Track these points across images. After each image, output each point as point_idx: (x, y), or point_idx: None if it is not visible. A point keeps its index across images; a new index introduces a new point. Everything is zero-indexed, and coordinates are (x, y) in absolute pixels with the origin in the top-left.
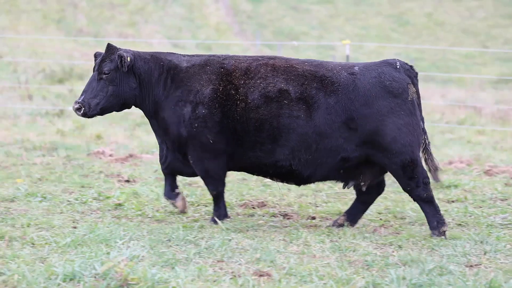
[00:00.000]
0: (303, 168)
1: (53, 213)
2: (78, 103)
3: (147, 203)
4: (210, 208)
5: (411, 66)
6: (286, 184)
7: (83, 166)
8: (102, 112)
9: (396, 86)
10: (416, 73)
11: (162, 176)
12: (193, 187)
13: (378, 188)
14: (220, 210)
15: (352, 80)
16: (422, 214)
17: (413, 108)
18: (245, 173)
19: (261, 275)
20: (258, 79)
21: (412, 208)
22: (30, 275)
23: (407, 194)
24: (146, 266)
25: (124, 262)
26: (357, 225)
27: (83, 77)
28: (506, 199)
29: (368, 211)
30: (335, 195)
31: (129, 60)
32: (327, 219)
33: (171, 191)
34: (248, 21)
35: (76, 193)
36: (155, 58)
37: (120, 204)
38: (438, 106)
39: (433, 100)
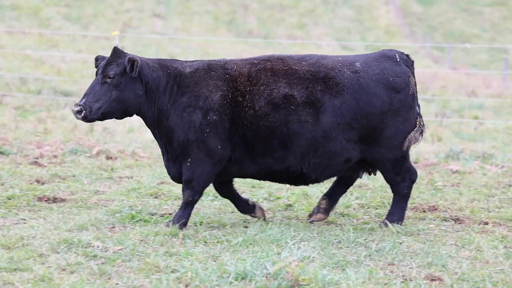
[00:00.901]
0: (312, 171)
1: (225, 212)
2: (79, 105)
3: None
4: (380, 210)
5: (407, 55)
6: (293, 186)
7: None
8: (104, 117)
9: (399, 82)
10: (413, 62)
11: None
12: (363, 189)
13: (410, 176)
14: (183, 216)
15: (356, 79)
16: None
17: (412, 102)
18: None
19: (432, 280)
20: (261, 86)
21: None
22: (203, 272)
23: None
24: (317, 267)
25: (295, 262)
26: None
27: None
28: None
29: None
30: (509, 201)
31: (138, 65)
32: (500, 224)
33: (246, 205)
34: (418, 24)
35: (247, 193)
36: (163, 66)
37: (290, 205)
38: None
39: None
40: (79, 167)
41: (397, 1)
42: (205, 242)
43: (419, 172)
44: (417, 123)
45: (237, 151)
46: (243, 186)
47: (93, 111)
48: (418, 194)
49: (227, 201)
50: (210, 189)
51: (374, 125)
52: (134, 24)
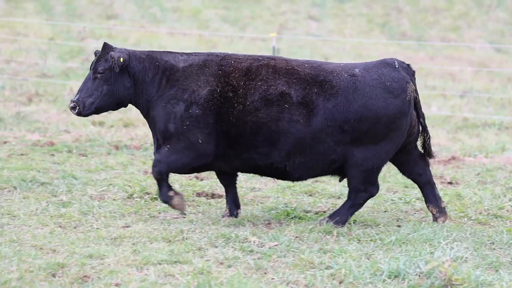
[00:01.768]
0: (295, 170)
1: (378, 211)
2: (73, 102)
3: (469, 205)
4: None
5: (408, 65)
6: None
7: None
8: (98, 111)
9: (396, 86)
10: (414, 72)
11: (484, 179)
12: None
13: (424, 161)
14: (164, 192)
15: (353, 82)
16: None
17: (408, 108)
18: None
19: None
20: (259, 81)
21: None
22: (356, 270)
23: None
24: (470, 268)
25: (448, 262)
26: None
27: None
28: None
29: None
30: None
31: (122, 60)
32: None
33: (234, 204)
34: None
35: (399, 192)
36: (151, 58)
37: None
38: None
39: None
40: None
41: None
42: (359, 240)
43: None
44: (421, 139)
45: (221, 147)
46: (395, 186)
47: (86, 106)
48: None
49: (380, 200)
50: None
51: (367, 128)
52: (290, 26)
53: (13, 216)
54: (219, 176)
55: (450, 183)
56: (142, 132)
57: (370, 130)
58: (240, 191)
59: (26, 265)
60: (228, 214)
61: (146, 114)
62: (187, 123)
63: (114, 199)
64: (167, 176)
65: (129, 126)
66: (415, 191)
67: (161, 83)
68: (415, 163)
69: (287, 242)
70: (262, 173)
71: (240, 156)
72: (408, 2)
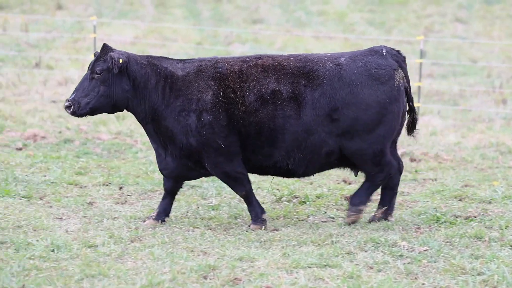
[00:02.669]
0: (298, 166)
1: None
2: (68, 101)
3: None
4: None
5: (398, 51)
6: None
7: None
8: (93, 112)
9: (383, 73)
10: (404, 57)
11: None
12: None
13: (397, 166)
14: (255, 208)
15: (338, 70)
16: None
17: (398, 94)
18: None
19: None
20: (251, 82)
21: None
22: (510, 276)
23: None
24: None
25: None
26: None
27: None
28: None
29: None
30: None
31: (121, 62)
32: None
33: (164, 211)
34: None
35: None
36: (152, 65)
37: None
38: None
39: None
40: None
41: None
42: (511, 245)
43: None
44: (409, 118)
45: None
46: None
47: (81, 106)
48: None
49: None
50: None
51: (356, 116)
52: (436, 28)
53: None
54: (164, 180)
55: None
56: None
57: (361, 118)
58: None
59: (178, 266)
60: (153, 217)
61: (150, 121)
62: (204, 132)
63: (262, 202)
64: (250, 185)
65: None
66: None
67: (165, 91)
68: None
69: (437, 247)
70: (267, 173)
71: (249, 158)
72: None
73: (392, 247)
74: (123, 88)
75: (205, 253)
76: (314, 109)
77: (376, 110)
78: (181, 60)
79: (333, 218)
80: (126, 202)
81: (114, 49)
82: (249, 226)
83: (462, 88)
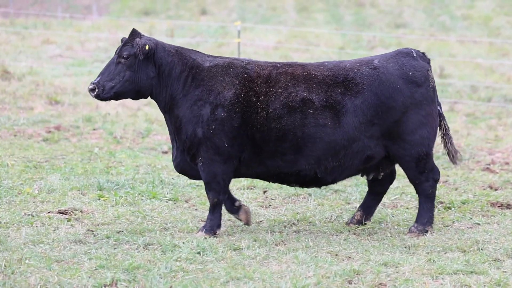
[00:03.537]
0: (329, 175)
1: None
2: (93, 84)
3: None
4: None
5: (423, 53)
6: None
7: None
8: (117, 96)
9: (419, 75)
10: (429, 60)
11: None
12: None
13: (390, 177)
14: (215, 220)
15: (376, 74)
16: None
17: (433, 95)
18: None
19: None
20: (279, 88)
21: None
22: None
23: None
24: None
25: None
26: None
27: None
28: None
29: None
30: None
31: (147, 48)
32: None
33: (232, 205)
34: None
35: None
36: (180, 54)
37: None
38: None
39: None
40: None
41: None
42: None
43: None
44: (441, 124)
45: (246, 152)
46: None
47: (105, 90)
48: None
49: None
50: None
51: (396, 119)
52: None
53: (309, 223)
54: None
55: None
56: None
57: (401, 121)
58: None
59: (323, 271)
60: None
61: (168, 110)
62: (213, 126)
63: (407, 208)
64: (224, 197)
65: None
66: None
67: (187, 81)
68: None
69: None
70: (285, 181)
71: (265, 163)
72: None
73: None
74: (148, 75)
75: (350, 257)
76: (356, 116)
77: (415, 111)
78: (213, 56)
79: (479, 224)
80: (270, 206)
81: (143, 35)
82: (197, 232)
83: None
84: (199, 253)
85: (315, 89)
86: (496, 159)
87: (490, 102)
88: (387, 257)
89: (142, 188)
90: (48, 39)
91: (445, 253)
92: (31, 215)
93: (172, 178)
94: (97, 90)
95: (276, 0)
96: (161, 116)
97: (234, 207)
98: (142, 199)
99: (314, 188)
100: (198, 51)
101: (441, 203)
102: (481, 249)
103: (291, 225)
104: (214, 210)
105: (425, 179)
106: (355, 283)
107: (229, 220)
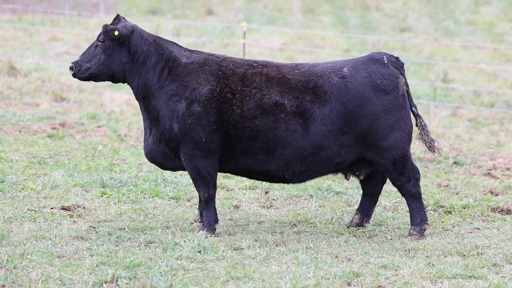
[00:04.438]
0: (296, 177)
1: None
2: (72, 63)
3: None
4: None
5: (396, 58)
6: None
7: None
8: (93, 78)
9: (388, 84)
10: (402, 64)
11: None
12: None
13: (382, 178)
14: (211, 216)
15: (344, 84)
16: None
17: (403, 101)
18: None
19: None
20: (253, 89)
21: None
22: None
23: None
24: None
25: None
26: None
27: None
28: None
29: None
30: None
31: (116, 33)
32: None
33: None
34: None
35: None
36: (157, 44)
37: None
38: None
39: None
40: None
41: None
42: None
43: None
44: (417, 122)
45: (221, 146)
46: None
47: (81, 70)
48: None
49: None
50: None
51: (367, 127)
52: None
53: (309, 224)
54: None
55: None
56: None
57: (372, 128)
58: None
59: (322, 272)
60: (199, 220)
61: (142, 97)
62: (189, 121)
63: (407, 211)
64: (215, 190)
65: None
66: None
67: (163, 73)
68: (374, 172)
69: None
70: (254, 178)
71: (237, 160)
72: None
73: None
74: (121, 60)
75: (349, 259)
76: (325, 124)
77: (386, 118)
78: (190, 50)
79: (479, 229)
80: (271, 206)
81: (124, 20)
82: (198, 231)
83: None
84: (200, 252)
85: (287, 94)
86: (497, 165)
87: (492, 108)
88: (387, 260)
89: (144, 186)
90: (55, 36)
91: (445, 257)
92: (34, 210)
93: (175, 177)
94: (74, 69)
95: (282, 1)
96: None
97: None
98: (144, 197)
99: (316, 190)
100: (176, 44)
101: (442, 207)
102: (481, 253)
103: (292, 226)
104: (208, 205)
105: (406, 180)
106: (354, 285)
107: (231, 220)
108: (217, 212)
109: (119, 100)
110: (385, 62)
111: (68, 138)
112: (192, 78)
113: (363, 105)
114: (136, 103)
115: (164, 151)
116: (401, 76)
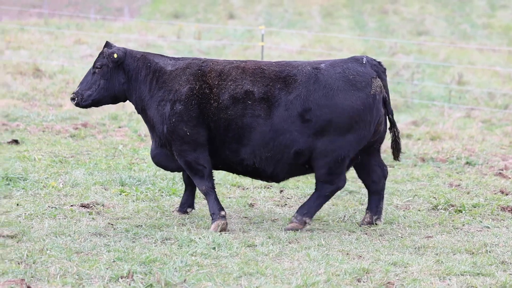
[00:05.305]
0: (265, 165)
1: None
2: (73, 93)
3: None
4: None
5: (379, 62)
6: (256, 180)
7: None
8: (95, 103)
9: (360, 80)
10: (384, 69)
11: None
12: None
13: (381, 172)
14: (214, 207)
15: (315, 74)
16: None
17: (373, 102)
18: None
19: None
20: (229, 81)
21: None
22: None
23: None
24: None
25: None
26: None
27: None
28: None
29: None
30: None
31: (115, 56)
32: None
33: (185, 204)
34: None
35: None
36: (144, 59)
37: None
38: None
39: None
40: None
41: None
42: None
43: None
44: (391, 136)
45: (206, 140)
46: None
47: (84, 98)
48: None
49: None
50: None
51: (329, 118)
52: None
53: (322, 222)
54: (182, 173)
55: None
56: (449, 145)
57: (333, 121)
58: None
59: (333, 268)
60: (178, 209)
61: (140, 111)
62: (173, 120)
63: (419, 210)
64: (211, 183)
65: (436, 139)
66: None
67: (152, 84)
68: (373, 170)
69: None
70: (237, 172)
71: (218, 153)
72: None
73: None
74: (119, 81)
75: (360, 256)
76: (287, 109)
77: (349, 114)
78: (175, 58)
79: (488, 227)
80: (285, 204)
81: (114, 45)
82: (209, 228)
83: None
84: (214, 248)
85: (258, 82)
86: (509, 165)
87: (506, 110)
88: (397, 257)
89: (162, 185)
90: (80, 39)
91: (454, 254)
92: (55, 207)
93: None
94: (76, 99)
95: (302, 5)
96: None
97: (185, 209)
98: (162, 195)
99: None
100: (162, 55)
101: (452, 206)
102: (489, 251)
103: None
104: (208, 197)
105: (329, 181)
106: (364, 281)
107: (245, 217)
108: (233, 210)
109: None
110: (363, 62)
111: (89, 138)
112: (175, 82)
113: (329, 96)
114: None
115: (166, 153)
116: (377, 78)
